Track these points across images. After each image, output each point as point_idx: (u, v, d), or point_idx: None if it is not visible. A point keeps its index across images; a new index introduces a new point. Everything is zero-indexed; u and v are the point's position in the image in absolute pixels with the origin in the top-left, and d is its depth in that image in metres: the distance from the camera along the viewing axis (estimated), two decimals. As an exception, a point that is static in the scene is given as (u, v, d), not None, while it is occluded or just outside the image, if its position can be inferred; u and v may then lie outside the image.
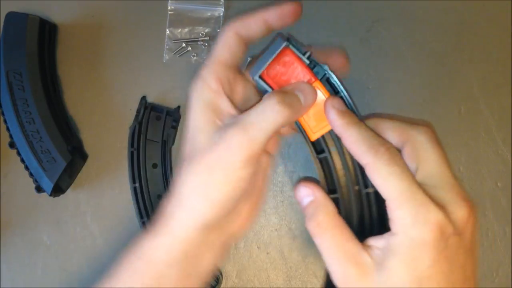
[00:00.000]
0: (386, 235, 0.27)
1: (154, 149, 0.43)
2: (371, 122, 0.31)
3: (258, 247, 0.44)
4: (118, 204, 0.44)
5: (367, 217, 0.31)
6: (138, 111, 0.43)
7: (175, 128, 0.43)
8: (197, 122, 0.30)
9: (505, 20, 0.45)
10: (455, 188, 0.28)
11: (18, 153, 0.40)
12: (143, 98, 0.44)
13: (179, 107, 0.44)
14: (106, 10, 0.45)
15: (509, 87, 0.44)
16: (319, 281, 0.44)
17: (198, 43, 0.44)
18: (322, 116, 0.31)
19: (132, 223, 0.44)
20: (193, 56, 0.45)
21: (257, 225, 0.44)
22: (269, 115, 0.28)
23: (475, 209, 0.27)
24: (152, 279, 0.29)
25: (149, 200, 0.43)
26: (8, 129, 0.40)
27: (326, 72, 0.32)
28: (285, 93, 0.30)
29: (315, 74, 0.31)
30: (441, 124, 0.44)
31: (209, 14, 0.45)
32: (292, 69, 0.31)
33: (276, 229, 0.44)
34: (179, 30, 0.45)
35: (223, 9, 0.44)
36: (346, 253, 0.28)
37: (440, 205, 0.26)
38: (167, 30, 0.44)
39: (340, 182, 0.32)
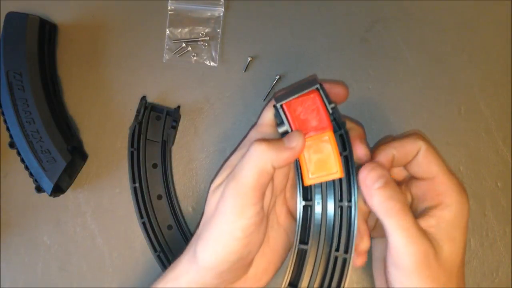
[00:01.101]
0: (436, 213, 0.32)
1: (154, 149, 0.43)
2: (378, 154, 0.33)
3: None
4: (118, 204, 0.44)
5: (325, 282, 0.32)
6: (138, 111, 0.43)
7: (175, 128, 0.43)
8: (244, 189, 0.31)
9: (505, 20, 0.45)
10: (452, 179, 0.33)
11: (18, 153, 0.40)
12: (143, 98, 0.44)
13: (179, 107, 0.44)
14: (106, 10, 0.45)
15: (509, 87, 0.44)
16: (319, 281, 0.44)
17: (198, 43, 0.44)
18: (324, 165, 0.32)
19: (132, 223, 0.44)
20: (193, 56, 0.45)
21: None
22: (253, 155, 0.30)
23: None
24: None
25: (149, 200, 0.43)
26: (8, 129, 0.40)
27: (343, 128, 0.33)
28: (272, 139, 0.32)
29: (332, 125, 0.32)
30: (441, 124, 0.44)
31: (209, 14, 0.45)
32: (314, 112, 0.32)
33: (276, 229, 0.44)
34: (179, 30, 0.45)
35: (223, 9, 0.44)
36: (423, 234, 0.31)
37: None
38: (167, 30, 0.44)
39: (313, 237, 0.33)
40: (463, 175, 0.44)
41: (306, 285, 0.32)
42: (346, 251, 0.32)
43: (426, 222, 0.32)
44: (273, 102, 0.33)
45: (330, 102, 0.32)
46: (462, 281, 0.33)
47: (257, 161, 0.30)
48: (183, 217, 0.44)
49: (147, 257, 0.44)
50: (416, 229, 0.31)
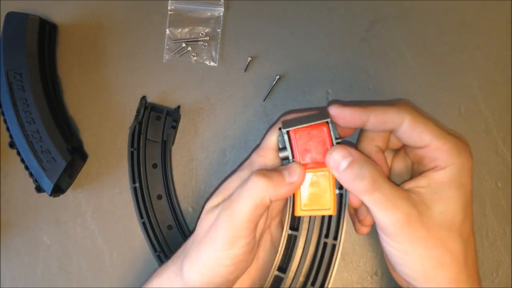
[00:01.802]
0: (428, 174, 0.31)
1: (154, 149, 0.43)
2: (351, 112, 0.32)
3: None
4: (118, 204, 0.44)
5: (315, 266, 0.33)
6: (138, 111, 0.43)
7: (175, 128, 0.43)
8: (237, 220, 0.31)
9: (505, 20, 0.45)
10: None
11: (18, 153, 0.40)
12: (143, 98, 0.44)
13: (179, 107, 0.44)
14: (106, 10, 0.45)
15: (509, 87, 0.44)
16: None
17: (198, 43, 0.44)
18: (318, 199, 0.32)
19: (132, 223, 0.44)
20: (193, 56, 0.45)
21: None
22: (250, 188, 0.30)
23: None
24: None
25: (149, 200, 0.43)
26: (8, 129, 0.40)
27: None
28: (271, 171, 0.32)
29: None
30: (441, 124, 0.44)
31: (209, 14, 0.45)
32: (319, 143, 0.32)
33: (276, 229, 0.44)
34: (179, 30, 0.45)
35: (223, 9, 0.44)
36: (402, 199, 0.30)
37: None
38: (167, 30, 0.44)
39: (292, 266, 0.33)
40: (463, 175, 0.44)
41: (294, 270, 0.33)
42: (322, 286, 0.32)
43: (416, 183, 0.32)
44: (278, 124, 0.33)
45: (337, 137, 0.32)
46: (469, 243, 0.32)
47: (255, 195, 0.30)
48: (183, 217, 0.44)
49: (147, 257, 0.44)
50: (391, 197, 0.30)
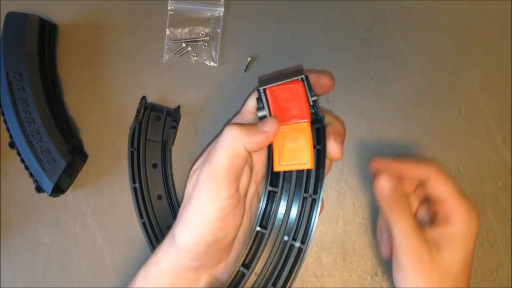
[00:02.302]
0: (443, 226, 0.36)
1: (154, 149, 0.43)
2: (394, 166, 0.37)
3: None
4: (118, 204, 0.44)
5: (277, 267, 0.33)
6: (138, 111, 0.43)
7: (175, 128, 0.43)
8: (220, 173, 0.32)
9: (505, 20, 0.45)
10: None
11: (18, 153, 0.40)
12: (143, 98, 0.44)
13: (179, 107, 0.44)
14: (106, 10, 0.45)
15: (509, 87, 0.44)
16: (319, 281, 0.44)
17: (198, 43, 0.44)
18: (296, 154, 0.32)
19: (132, 223, 0.44)
20: (193, 56, 0.45)
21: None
22: (225, 137, 0.32)
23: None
24: None
25: (149, 200, 0.43)
26: (8, 129, 0.40)
27: (320, 121, 0.33)
28: (247, 123, 0.33)
29: (311, 116, 0.33)
30: (441, 124, 0.44)
31: (209, 14, 0.45)
32: (295, 101, 0.32)
33: (276, 229, 0.44)
34: (179, 30, 0.45)
35: (223, 9, 0.44)
36: (419, 234, 0.35)
37: None
38: (167, 30, 0.44)
39: (273, 222, 0.34)
40: (463, 175, 0.44)
41: (260, 268, 0.33)
42: (303, 242, 0.33)
43: (430, 231, 0.36)
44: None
45: (312, 95, 0.32)
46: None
47: (230, 143, 0.31)
48: (183, 217, 0.44)
49: (147, 257, 0.44)
50: (414, 230, 0.35)
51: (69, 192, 0.44)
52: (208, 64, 0.45)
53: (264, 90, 0.33)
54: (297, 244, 0.33)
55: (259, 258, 0.33)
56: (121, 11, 0.45)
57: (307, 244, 0.32)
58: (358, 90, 0.44)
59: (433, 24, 0.45)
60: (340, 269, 0.44)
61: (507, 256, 0.43)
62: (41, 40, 0.42)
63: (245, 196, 0.35)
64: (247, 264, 0.34)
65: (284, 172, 0.34)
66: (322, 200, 0.34)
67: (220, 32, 0.44)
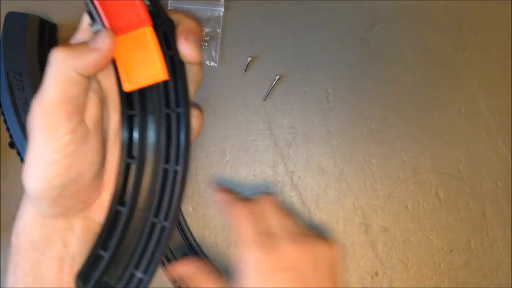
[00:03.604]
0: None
1: None
2: None
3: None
4: (118, 204, 0.44)
5: (156, 196, 0.29)
6: None
7: None
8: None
9: (505, 20, 0.45)
10: None
11: (18, 153, 0.40)
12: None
13: None
14: (106, 10, 0.45)
15: (509, 87, 0.44)
16: (319, 281, 0.44)
17: (198, 43, 0.44)
18: (145, 67, 0.27)
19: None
20: (193, 56, 0.44)
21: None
22: (52, 64, 0.26)
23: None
24: (14, 266, 0.31)
25: None
26: (8, 129, 0.40)
27: (166, 23, 0.28)
28: (76, 43, 0.28)
29: (152, 19, 0.27)
30: (441, 124, 0.44)
31: (209, 14, 0.45)
32: (128, 4, 0.27)
33: (276, 229, 0.44)
34: (179, 30, 0.45)
35: (223, 9, 0.44)
36: None
37: None
38: (167, 30, 0.44)
39: (145, 150, 0.29)
40: (463, 175, 0.44)
41: (141, 203, 0.29)
42: (177, 163, 0.28)
43: None
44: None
45: None
46: None
47: (57, 70, 0.26)
48: (183, 217, 0.43)
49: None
50: None
51: (69, 192, 0.44)
52: (208, 64, 0.45)
53: (92, 1, 0.27)
54: (170, 166, 0.28)
55: (136, 192, 0.29)
56: (121, 11, 0.45)
57: (184, 165, 0.27)
58: (358, 90, 0.44)
59: (433, 24, 0.45)
60: (340, 269, 0.44)
61: (507, 256, 0.43)
62: (41, 40, 0.42)
63: (100, 127, 0.30)
64: (124, 202, 0.30)
65: (140, 90, 0.29)
66: (200, 115, 0.30)
67: (220, 32, 0.44)
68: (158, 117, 0.29)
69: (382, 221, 0.44)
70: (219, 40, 0.44)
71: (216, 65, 0.45)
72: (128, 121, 0.29)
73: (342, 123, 0.44)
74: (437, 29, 0.45)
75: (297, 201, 0.44)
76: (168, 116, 0.28)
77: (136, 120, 0.29)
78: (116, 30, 0.27)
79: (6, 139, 0.41)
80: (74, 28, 0.45)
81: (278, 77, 0.44)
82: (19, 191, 0.45)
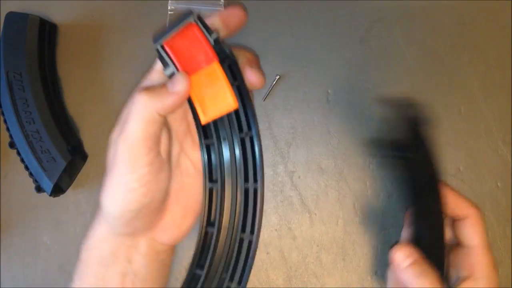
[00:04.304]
0: (465, 284, 0.35)
1: None
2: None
3: (258, 247, 0.44)
4: (118, 204, 0.44)
5: (237, 212, 0.32)
6: None
7: None
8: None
9: (505, 20, 0.45)
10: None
11: (18, 153, 0.40)
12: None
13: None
14: (106, 10, 0.45)
15: (509, 87, 0.44)
16: (319, 281, 0.44)
17: (198, 43, 0.44)
18: (217, 99, 0.30)
19: (132, 223, 0.44)
20: (193, 56, 0.45)
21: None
22: (136, 105, 0.30)
23: None
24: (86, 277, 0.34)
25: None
26: (8, 129, 0.40)
27: (229, 57, 0.31)
28: (156, 86, 0.31)
29: (218, 55, 0.30)
30: (441, 124, 0.44)
31: (209, 14, 0.44)
32: (196, 46, 0.30)
33: (276, 229, 0.44)
34: (179, 30, 0.45)
35: (223, 9, 0.44)
36: None
37: None
38: (167, 30, 0.44)
39: (223, 173, 0.32)
40: (463, 175, 0.44)
41: (226, 221, 0.32)
42: (255, 180, 0.30)
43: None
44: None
45: (210, 33, 0.30)
46: None
47: (141, 112, 0.30)
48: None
49: (147, 257, 0.44)
50: None
51: (69, 192, 0.44)
52: (208, 64, 0.45)
53: (162, 46, 0.30)
54: (250, 184, 0.31)
55: (221, 212, 0.32)
56: (121, 11, 0.45)
57: (262, 182, 0.30)
58: (358, 90, 0.44)
59: (433, 24, 0.45)
60: (340, 269, 0.44)
61: (507, 256, 0.43)
62: (41, 40, 0.42)
63: (169, 157, 0.34)
64: (212, 222, 0.33)
65: (214, 120, 0.32)
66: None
67: (220, 32, 0.44)
68: (232, 142, 0.32)
69: (382, 221, 0.44)
70: (219, 40, 0.44)
71: (216, 65, 0.44)
72: (206, 150, 0.33)
73: (342, 123, 0.44)
74: (437, 29, 0.45)
75: (297, 201, 0.44)
76: (242, 140, 0.31)
77: (213, 148, 0.33)
78: (187, 71, 0.30)
79: (6, 139, 0.41)
80: (74, 28, 0.45)
81: (278, 77, 0.44)
82: (19, 191, 0.45)
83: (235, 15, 0.33)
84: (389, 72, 0.44)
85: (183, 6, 0.44)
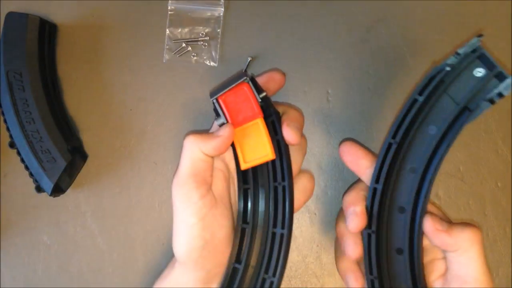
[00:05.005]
0: None
1: None
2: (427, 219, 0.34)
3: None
4: (118, 204, 0.44)
5: (266, 256, 0.35)
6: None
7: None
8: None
9: (505, 20, 0.45)
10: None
11: (18, 153, 0.40)
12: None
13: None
14: (106, 10, 0.45)
15: (509, 87, 0.44)
16: (319, 281, 0.44)
17: (198, 43, 0.44)
18: (257, 149, 0.35)
19: (132, 223, 0.44)
20: (193, 56, 0.45)
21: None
22: (185, 146, 0.35)
23: None
24: None
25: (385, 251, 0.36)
26: (8, 129, 0.40)
27: (273, 114, 0.35)
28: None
29: (263, 112, 0.35)
30: (441, 124, 0.44)
31: (209, 14, 0.45)
32: (245, 102, 0.35)
33: (276, 229, 0.44)
34: (179, 30, 0.45)
35: (223, 9, 0.44)
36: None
37: None
38: (167, 30, 0.44)
39: (256, 216, 0.36)
40: (463, 175, 0.44)
41: (254, 261, 0.35)
42: (283, 227, 0.34)
43: None
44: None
45: (259, 92, 0.35)
46: None
47: (188, 151, 0.35)
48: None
49: (147, 257, 0.44)
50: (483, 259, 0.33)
51: (69, 192, 0.44)
52: (208, 64, 0.45)
53: (217, 99, 0.36)
54: (279, 231, 0.34)
55: (250, 252, 0.35)
56: (121, 11, 0.45)
57: (289, 229, 0.34)
58: (358, 90, 0.44)
59: (433, 24, 0.45)
60: (340, 269, 0.44)
61: (507, 256, 0.43)
62: (41, 40, 0.42)
63: (227, 196, 0.37)
64: (240, 260, 0.35)
65: (253, 168, 0.36)
66: (312, 176, 0.38)
67: (220, 32, 0.44)
68: (267, 189, 0.36)
69: (382, 221, 0.44)
70: (219, 40, 0.44)
71: (216, 65, 0.45)
72: (243, 193, 0.37)
73: (342, 123, 0.44)
74: (437, 29, 0.45)
75: (297, 201, 0.44)
76: (275, 189, 0.35)
77: (250, 192, 0.36)
78: (235, 123, 0.36)
79: (6, 139, 0.41)
80: (74, 28, 0.45)
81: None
82: (19, 191, 0.45)
83: (275, 80, 0.39)
84: (389, 72, 0.44)
85: (183, 6, 0.44)
